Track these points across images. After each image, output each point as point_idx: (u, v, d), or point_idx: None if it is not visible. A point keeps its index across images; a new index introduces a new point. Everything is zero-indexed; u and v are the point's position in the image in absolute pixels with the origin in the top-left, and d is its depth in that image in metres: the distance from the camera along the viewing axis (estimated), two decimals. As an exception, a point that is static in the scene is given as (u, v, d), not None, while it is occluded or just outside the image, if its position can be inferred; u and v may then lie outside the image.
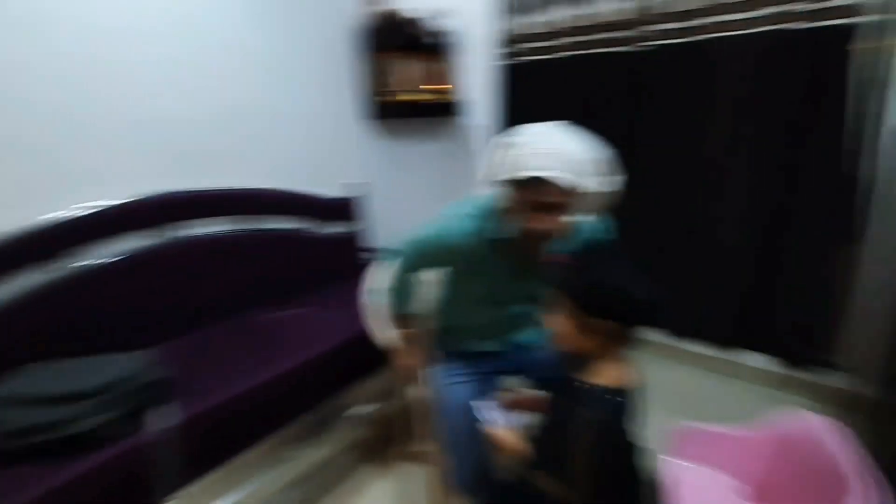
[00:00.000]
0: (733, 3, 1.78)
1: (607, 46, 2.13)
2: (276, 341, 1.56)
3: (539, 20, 2.32)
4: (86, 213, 1.47)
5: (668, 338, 2.28)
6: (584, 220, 1.12)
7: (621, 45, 2.08)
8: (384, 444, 1.77)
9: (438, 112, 2.59)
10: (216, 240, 1.78)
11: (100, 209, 1.50)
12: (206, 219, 1.76)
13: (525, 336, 1.33)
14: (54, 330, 1.39)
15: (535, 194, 0.97)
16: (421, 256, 1.25)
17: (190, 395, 1.26)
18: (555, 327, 0.84)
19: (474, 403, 1.10)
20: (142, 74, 1.59)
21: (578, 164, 0.95)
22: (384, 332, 1.42)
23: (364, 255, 2.27)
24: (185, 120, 1.71)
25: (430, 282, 1.36)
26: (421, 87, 2.52)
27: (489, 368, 1.32)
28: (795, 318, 1.89)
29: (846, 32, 1.58)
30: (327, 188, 2.16)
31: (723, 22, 1.81)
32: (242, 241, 1.85)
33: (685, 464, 1.28)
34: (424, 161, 2.72)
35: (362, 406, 1.71)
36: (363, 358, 1.63)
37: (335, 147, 2.25)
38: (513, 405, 1.11)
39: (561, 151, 0.95)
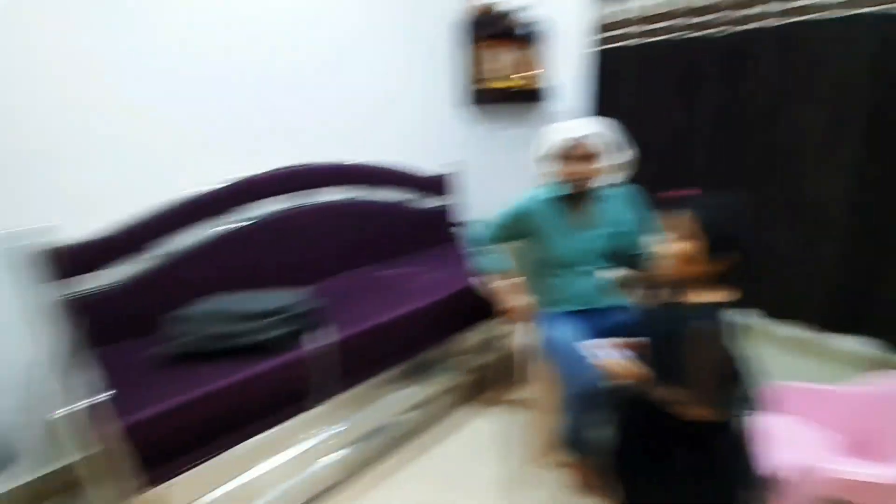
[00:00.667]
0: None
1: (700, 30, 2.17)
2: (394, 290, 1.83)
3: (632, 6, 2.40)
4: (249, 177, 1.82)
5: (763, 319, 2.28)
6: (611, 185, 1.56)
7: (715, 29, 2.11)
8: (483, 388, 1.99)
9: (528, 98, 2.75)
10: (339, 206, 2.10)
11: (257, 175, 1.84)
12: (333, 187, 2.08)
13: (606, 300, 1.54)
14: (232, 268, 1.75)
15: (571, 150, 1.43)
16: (504, 227, 1.62)
17: (334, 325, 1.54)
18: (670, 252, 0.95)
19: (583, 344, 1.27)
20: (287, 74, 1.92)
21: (600, 133, 1.44)
22: (490, 283, 1.62)
23: (456, 227, 2.51)
24: (316, 107, 2.02)
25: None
26: (512, 74, 2.70)
27: (582, 325, 1.50)
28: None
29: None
30: (427, 166, 2.41)
31: (823, 4, 1.81)
32: (358, 209, 2.16)
33: (782, 418, 1.35)
34: (513, 144, 2.90)
35: (464, 354, 1.92)
36: (465, 311, 1.86)
37: (435, 129, 2.50)
38: (619, 346, 1.20)
39: (586, 124, 1.46)
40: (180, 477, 1.23)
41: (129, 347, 1.49)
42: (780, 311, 2.20)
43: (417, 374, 1.79)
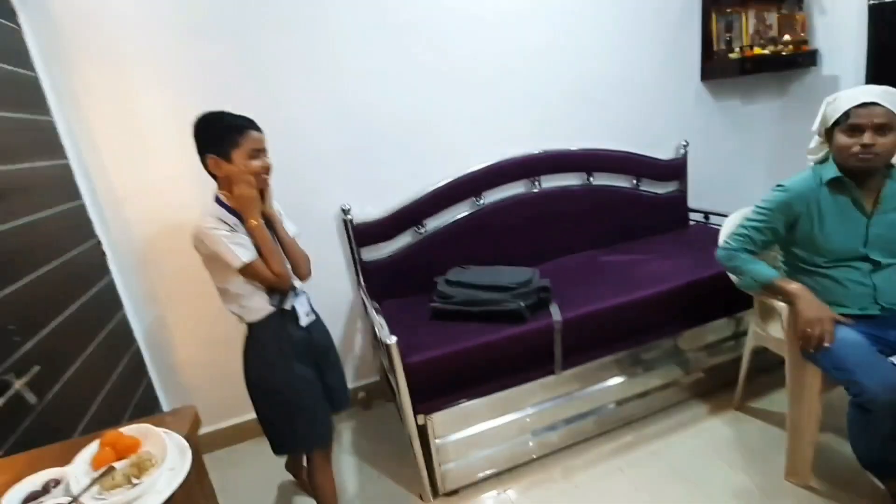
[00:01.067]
0: None
1: None
2: (622, 276, 1.84)
3: None
4: (489, 165, 2.05)
5: None
6: None
7: None
8: (715, 389, 1.86)
9: (788, 65, 2.36)
10: (572, 191, 2.19)
11: (496, 163, 2.05)
12: (563, 174, 2.17)
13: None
14: (475, 244, 2.03)
15: (860, 118, 1.18)
16: (764, 226, 1.37)
17: (566, 302, 1.64)
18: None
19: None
20: (521, 61, 2.04)
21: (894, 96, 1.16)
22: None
23: (686, 213, 2.36)
24: (553, 95, 2.12)
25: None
26: (768, 38, 2.34)
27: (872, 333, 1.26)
28: None
29: None
30: (660, 150, 2.30)
31: None
32: (591, 194, 2.22)
33: None
34: (763, 120, 2.54)
35: (697, 350, 1.82)
36: (698, 303, 1.75)
37: (671, 111, 2.35)
38: None
39: (877, 89, 1.20)
40: (440, 412, 1.51)
41: (404, 302, 1.87)
42: None
43: (644, 362, 1.76)
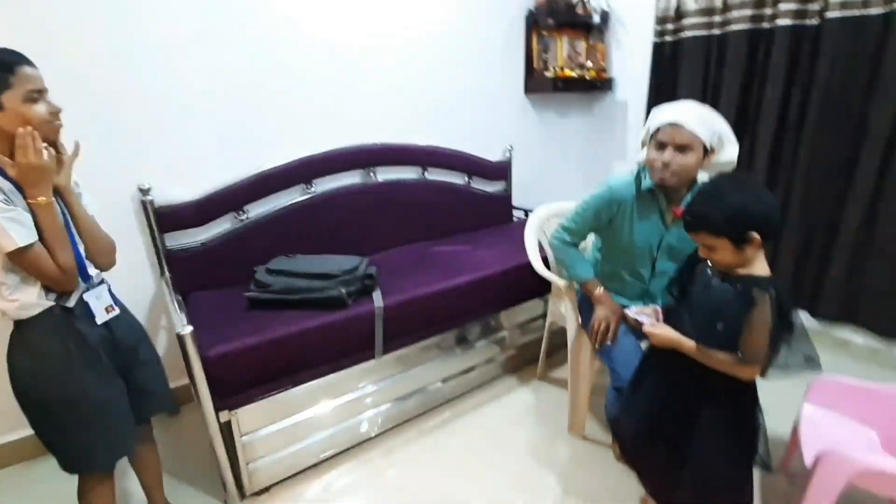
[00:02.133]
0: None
1: (761, 23, 2.09)
2: (447, 264, 1.95)
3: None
4: (323, 152, 2.00)
5: (813, 320, 2.21)
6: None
7: (781, 20, 2.03)
8: (526, 363, 2.09)
9: (591, 88, 2.76)
10: (408, 184, 2.25)
11: (331, 151, 2.02)
12: (399, 167, 2.23)
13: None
14: (307, 232, 1.96)
15: (665, 136, 1.27)
16: (590, 213, 1.47)
17: (390, 291, 1.68)
18: (718, 260, 1.01)
19: (628, 311, 1.24)
20: (366, 58, 2.06)
21: (705, 121, 1.26)
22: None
23: (510, 210, 2.60)
24: (394, 93, 2.17)
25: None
26: (577, 64, 2.72)
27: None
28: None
29: None
30: (489, 151, 2.50)
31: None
32: (425, 188, 2.31)
33: (823, 410, 1.35)
34: (574, 132, 2.93)
35: (511, 328, 2.02)
36: (513, 288, 1.95)
37: (500, 117, 2.58)
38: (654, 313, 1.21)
39: (692, 109, 1.27)
40: (249, 406, 1.42)
41: (221, 293, 1.71)
42: (838, 314, 2.12)
43: (465, 343, 1.90)
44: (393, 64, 2.14)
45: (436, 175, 2.35)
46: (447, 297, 1.77)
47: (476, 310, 1.89)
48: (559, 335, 1.92)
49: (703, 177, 1.37)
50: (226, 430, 1.39)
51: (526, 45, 2.61)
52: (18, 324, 1.01)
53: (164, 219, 1.68)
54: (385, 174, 2.19)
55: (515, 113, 2.66)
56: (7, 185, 0.93)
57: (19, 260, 0.93)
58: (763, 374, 0.98)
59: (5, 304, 0.98)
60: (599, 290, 1.48)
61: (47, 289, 0.99)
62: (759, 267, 0.99)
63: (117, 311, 1.14)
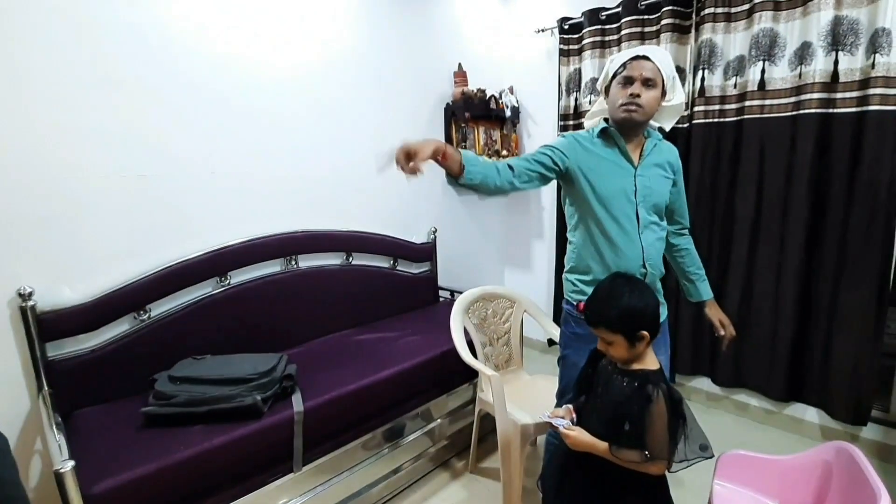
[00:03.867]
0: (756, 92, 2.07)
1: None
2: (372, 355, 1.89)
3: (587, 100, 2.70)
4: (242, 242, 1.92)
5: (715, 387, 2.40)
6: (659, 129, 1.44)
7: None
8: (457, 454, 2.02)
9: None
10: (331, 271, 2.21)
11: (248, 241, 1.95)
12: (322, 253, 2.19)
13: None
14: (216, 330, 1.81)
15: (633, 70, 1.27)
16: (545, 150, 1.31)
17: (313, 389, 1.59)
18: (613, 354, 1.10)
19: (548, 416, 1.21)
20: (288, 143, 2.08)
21: (665, 60, 1.30)
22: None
23: (437, 291, 2.63)
24: (314, 178, 2.18)
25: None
26: (494, 150, 2.95)
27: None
28: (843, 374, 1.99)
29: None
30: (412, 234, 2.56)
31: (762, 105, 2.10)
32: (350, 274, 2.27)
33: (731, 487, 1.43)
34: (491, 215, 3.10)
35: (439, 419, 1.96)
36: (441, 376, 1.93)
37: (423, 200, 2.68)
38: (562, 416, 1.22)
39: (654, 48, 1.32)
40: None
41: (111, 410, 1.51)
42: (734, 380, 2.33)
43: (392, 440, 1.81)
44: (314, 148, 2.18)
45: (361, 260, 2.34)
46: (373, 391, 1.70)
47: (404, 402, 1.83)
48: (489, 421, 1.91)
49: (653, 124, 1.40)
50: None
51: (446, 133, 2.80)
52: None
53: (46, 325, 1.48)
54: (308, 262, 2.14)
55: (438, 196, 2.78)
56: None
57: None
58: (669, 467, 1.05)
59: None
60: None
61: None
62: (650, 361, 1.09)
63: None
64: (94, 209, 1.60)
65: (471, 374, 1.99)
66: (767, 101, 2.08)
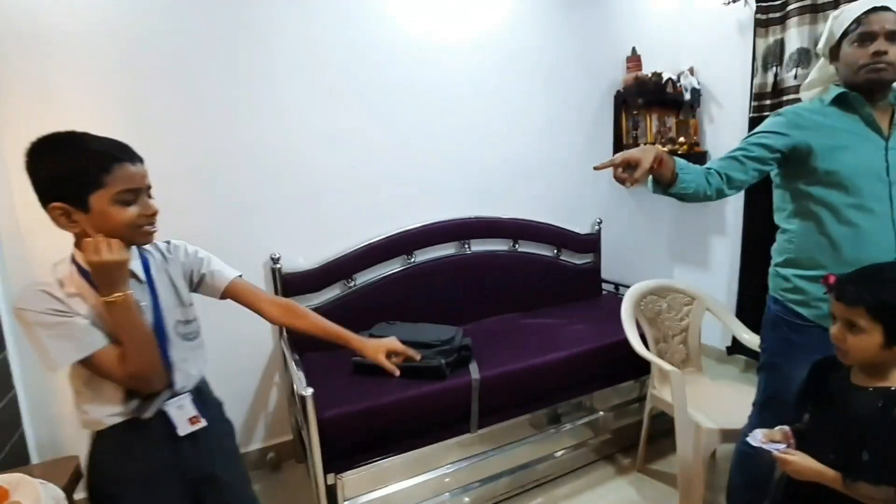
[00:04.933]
0: None
1: None
2: (540, 338, 1.95)
3: (789, 75, 2.32)
4: (419, 226, 2.16)
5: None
6: None
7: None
8: (622, 449, 1.97)
9: (683, 162, 2.75)
10: (499, 256, 2.34)
11: (427, 224, 2.17)
12: (491, 239, 2.33)
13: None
14: (403, 301, 2.08)
15: (872, 24, 1.06)
16: (760, 140, 1.15)
17: (487, 362, 1.72)
18: (855, 345, 0.89)
19: (752, 438, 1.04)
20: (462, 135, 2.25)
21: None
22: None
23: (600, 283, 2.57)
24: (486, 166, 2.32)
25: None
26: (668, 138, 2.75)
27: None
28: None
29: None
30: (579, 224, 2.55)
31: None
32: (516, 260, 2.38)
33: None
34: (663, 208, 2.90)
35: (606, 411, 1.94)
36: (609, 367, 1.89)
37: (589, 192, 2.64)
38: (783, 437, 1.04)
39: None
40: (352, 471, 1.48)
41: (328, 356, 1.84)
42: None
43: (554, 423, 1.85)
44: (486, 140, 2.31)
45: (526, 247, 2.41)
46: (542, 372, 1.76)
47: (569, 388, 1.85)
48: (660, 421, 1.81)
49: None
50: (331, 493, 1.45)
51: (615, 122, 2.71)
52: (93, 437, 0.92)
53: (288, 284, 1.88)
54: (478, 246, 2.30)
55: (604, 187, 2.70)
56: (64, 293, 0.82)
57: (83, 371, 0.86)
58: None
59: (79, 414, 0.91)
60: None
61: (125, 400, 0.89)
62: None
63: (203, 422, 0.96)
64: (323, 195, 1.98)
65: (640, 370, 1.91)
66: None
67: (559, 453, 1.85)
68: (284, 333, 1.88)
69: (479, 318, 2.23)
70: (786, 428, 1.04)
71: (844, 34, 1.12)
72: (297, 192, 1.93)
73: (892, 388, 0.88)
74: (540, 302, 2.39)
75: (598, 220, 2.60)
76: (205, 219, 1.77)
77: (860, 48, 1.09)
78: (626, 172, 1.07)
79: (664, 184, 1.13)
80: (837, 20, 1.14)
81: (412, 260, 2.14)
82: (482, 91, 2.28)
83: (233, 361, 1.86)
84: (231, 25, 1.75)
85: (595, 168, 1.17)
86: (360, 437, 1.49)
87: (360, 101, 2.01)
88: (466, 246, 2.26)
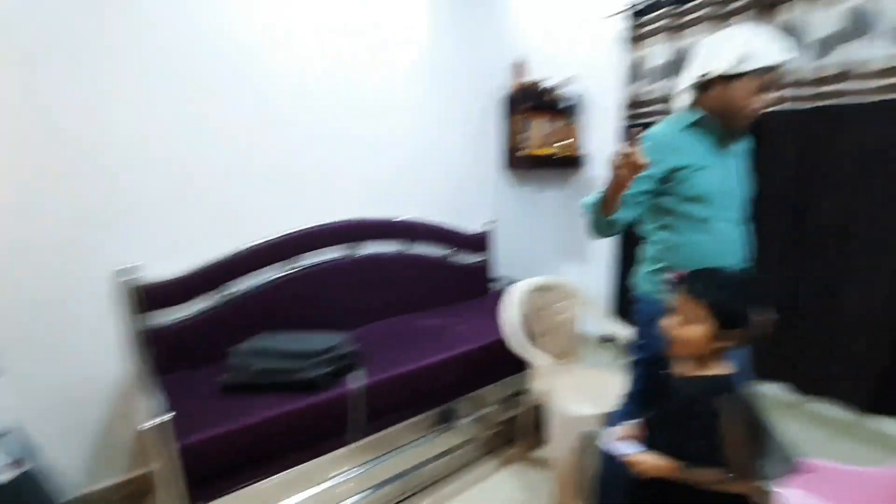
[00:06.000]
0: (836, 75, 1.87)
1: None
2: (430, 339, 1.96)
3: (657, 87, 2.57)
4: (303, 229, 2.06)
5: (793, 394, 2.23)
6: None
7: None
8: (508, 443, 2.05)
9: (564, 165, 2.93)
10: (390, 258, 2.31)
11: (312, 227, 2.08)
12: (385, 241, 2.30)
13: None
14: (287, 309, 1.97)
15: (775, 78, 1.11)
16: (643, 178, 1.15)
17: (372, 367, 1.68)
18: (684, 335, 0.99)
19: (606, 442, 1.13)
20: (350, 134, 2.18)
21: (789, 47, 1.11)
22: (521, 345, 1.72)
23: (492, 282, 2.65)
24: (377, 167, 2.27)
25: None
26: (550, 142, 2.91)
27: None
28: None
29: None
30: (468, 224, 2.60)
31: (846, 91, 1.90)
32: (408, 261, 2.36)
33: (797, 493, 1.34)
34: (549, 206, 3.06)
35: (491, 406, 2.00)
36: (495, 363, 1.96)
37: (477, 190, 2.71)
38: (628, 438, 1.12)
39: (777, 36, 1.12)
40: (221, 499, 1.36)
41: (193, 375, 1.68)
42: (813, 387, 2.14)
43: (444, 422, 1.87)
44: (374, 140, 2.27)
45: (418, 248, 2.41)
46: (429, 372, 1.77)
47: (460, 386, 1.88)
48: (543, 411, 1.91)
49: None
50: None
51: (504, 124, 2.81)
52: None
53: (150, 297, 1.68)
54: (368, 248, 2.25)
55: (495, 187, 2.79)
56: None
57: None
58: (759, 485, 0.94)
59: None
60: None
61: None
62: (721, 365, 0.99)
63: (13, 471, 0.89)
64: (188, 196, 1.79)
65: (525, 364, 2.00)
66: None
67: (448, 453, 1.87)
68: (139, 355, 1.68)
69: (371, 321, 2.18)
70: (631, 424, 1.13)
71: (746, 72, 1.13)
72: (157, 192, 1.72)
73: (710, 375, 0.98)
74: (434, 302, 2.41)
75: (489, 220, 2.68)
76: (32, 227, 1.52)
77: (757, 94, 1.14)
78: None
79: (608, 210, 1.18)
80: (750, 50, 1.11)
81: (296, 265, 2.03)
82: (369, 88, 2.22)
83: (64, 392, 1.62)
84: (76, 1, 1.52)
85: (619, 153, 1.09)
86: (228, 461, 1.38)
87: (233, 93, 1.85)
88: (355, 248, 2.20)
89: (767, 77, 1.12)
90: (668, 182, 1.24)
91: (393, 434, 1.71)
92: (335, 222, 2.13)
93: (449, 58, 2.50)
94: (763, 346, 2.25)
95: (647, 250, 1.38)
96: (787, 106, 2.07)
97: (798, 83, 2.04)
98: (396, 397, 1.70)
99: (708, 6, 2.29)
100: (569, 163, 2.94)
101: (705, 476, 0.94)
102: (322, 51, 2.08)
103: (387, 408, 1.68)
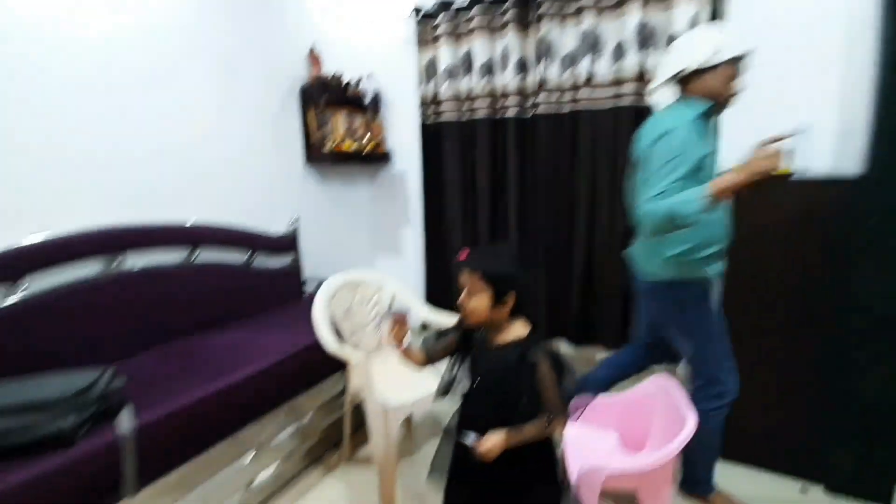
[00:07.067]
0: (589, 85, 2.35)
1: (495, 114, 2.61)
2: (220, 361, 1.69)
3: (449, 88, 2.78)
4: (41, 241, 1.58)
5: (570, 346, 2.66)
6: None
7: (508, 112, 2.56)
8: (331, 448, 1.94)
9: (369, 160, 2.94)
10: (169, 271, 1.93)
11: (54, 238, 1.61)
12: (158, 248, 1.91)
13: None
14: (14, 349, 1.45)
15: (744, 66, 1.33)
16: (690, 162, 1.27)
17: (144, 406, 1.38)
18: (474, 306, 1.06)
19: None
20: (107, 125, 1.76)
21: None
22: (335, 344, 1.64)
23: (301, 285, 2.48)
24: (139, 158, 1.88)
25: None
26: (356, 138, 2.87)
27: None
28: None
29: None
30: (270, 225, 2.38)
31: (586, 98, 2.36)
32: (195, 272, 2.01)
33: (579, 427, 1.60)
34: (359, 202, 3.03)
35: (307, 414, 1.86)
36: (305, 370, 1.83)
37: (281, 189, 2.51)
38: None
39: (738, 31, 1.39)
40: None
41: None
42: (578, 336, 2.59)
43: (257, 443, 1.66)
44: (146, 132, 1.89)
45: (208, 256, 2.09)
46: (224, 397, 1.53)
47: (267, 402, 1.69)
48: (363, 410, 1.86)
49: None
50: None
51: (302, 119, 2.65)
52: None
53: None
54: (138, 260, 1.84)
55: (297, 184, 2.62)
56: None
57: None
58: (567, 420, 1.05)
59: None
60: (728, 176, 1.20)
61: None
62: (519, 327, 1.09)
63: None
64: None
65: (341, 364, 1.92)
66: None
67: (264, 474, 1.68)
68: None
69: (144, 349, 1.79)
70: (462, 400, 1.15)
71: (732, 59, 1.32)
72: None
73: (517, 340, 1.07)
74: (232, 315, 2.12)
75: (294, 218, 2.51)
76: None
77: (736, 80, 1.34)
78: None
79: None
80: (728, 40, 1.31)
81: (24, 290, 1.53)
82: (133, 73, 1.83)
83: None
84: None
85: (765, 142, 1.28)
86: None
87: None
88: (118, 262, 1.78)
89: (740, 64, 1.33)
90: (698, 170, 1.31)
91: (190, 472, 1.44)
92: (86, 231, 1.68)
93: (235, 42, 2.23)
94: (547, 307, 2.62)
95: (670, 236, 1.39)
96: (543, 109, 2.46)
97: (553, 90, 2.45)
98: (181, 434, 1.42)
99: (480, 16, 2.57)
100: (375, 158, 2.96)
101: (532, 430, 1.02)
102: (80, 37, 1.64)
103: (173, 448, 1.40)
